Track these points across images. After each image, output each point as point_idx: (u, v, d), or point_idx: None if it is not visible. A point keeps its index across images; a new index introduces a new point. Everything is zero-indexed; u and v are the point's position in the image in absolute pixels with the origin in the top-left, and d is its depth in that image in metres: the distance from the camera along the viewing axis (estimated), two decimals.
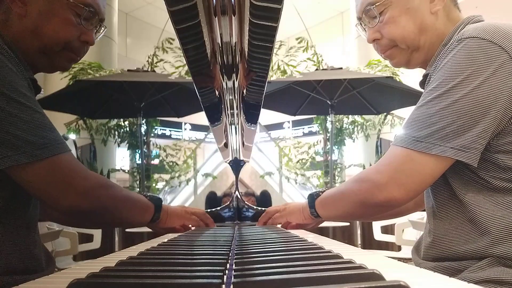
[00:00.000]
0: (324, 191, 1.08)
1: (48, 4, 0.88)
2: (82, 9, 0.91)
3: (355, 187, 0.90)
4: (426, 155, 0.75)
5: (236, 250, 0.64)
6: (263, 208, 1.43)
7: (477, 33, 0.74)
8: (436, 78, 0.78)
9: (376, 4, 0.90)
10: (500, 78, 0.71)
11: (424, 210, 0.94)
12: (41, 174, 0.78)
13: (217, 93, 0.95)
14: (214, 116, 1.13)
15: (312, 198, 1.08)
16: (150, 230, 1.16)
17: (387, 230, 3.64)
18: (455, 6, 0.91)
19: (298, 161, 5.88)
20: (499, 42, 0.72)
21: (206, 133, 7.43)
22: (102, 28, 0.99)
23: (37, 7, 0.87)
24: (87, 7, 0.91)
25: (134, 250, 0.72)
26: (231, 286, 0.39)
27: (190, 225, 1.23)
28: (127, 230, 3.21)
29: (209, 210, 1.43)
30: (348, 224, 3.55)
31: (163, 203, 1.09)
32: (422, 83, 0.91)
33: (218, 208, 1.41)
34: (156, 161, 5.80)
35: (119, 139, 5.42)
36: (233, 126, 1.18)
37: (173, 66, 5.11)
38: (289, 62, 5.36)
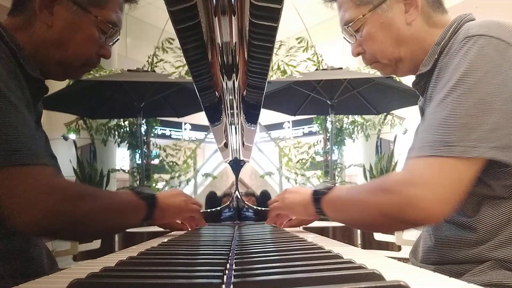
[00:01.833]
0: (331, 187, 0.97)
1: (75, 18, 0.88)
2: (108, 27, 0.92)
3: (380, 198, 0.77)
4: (462, 160, 0.68)
5: (236, 250, 0.64)
6: (263, 208, 1.43)
7: (484, 31, 0.74)
8: (450, 77, 0.74)
9: (350, 24, 0.91)
10: None
11: None
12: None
13: (217, 93, 0.95)
14: (214, 116, 1.13)
15: (318, 195, 0.98)
16: (150, 230, 1.15)
17: None
18: (435, 11, 0.89)
19: (298, 161, 5.87)
20: (506, 39, 0.72)
21: (206, 133, 7.43)
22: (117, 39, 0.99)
23: (64, 20, 0.88)
24: (113, 25, 0.92)
25: (134, 250, 0.72)
26: (231, 286, 0.39)
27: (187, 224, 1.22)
28: (127, 230, 3.21)
29: (209, 210, 1.43)
30: None
31: (157, 198, 1.01)
32: (416, 84, 0.90)
33: (218, 208, 1.41)
34: (156, 161, 5.79)
35: (119, 139, 5.42)
36: (233, 126, 1.18)
37: (173, 66, 5.11)
38: (289, 62, 5.35)
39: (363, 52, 0.95)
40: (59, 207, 0.74)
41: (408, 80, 4.14)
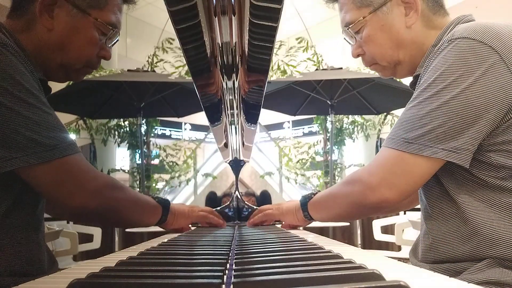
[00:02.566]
0: (316, 193, 1.09)
1: (75, 21, 0.89)
2: (108, 29, 0.93)
3: (347, 189, 0.91)
4: (417, 157, 0.75)
5: (236, 250, 0.64)
6: None
7: (467, 33, 0.74)
8: (426, 79, 0.78)
9: (350, 26, 0.92)
10: (490, 79, 0.71)
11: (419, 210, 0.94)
12: (50, 175, 0.78)
13: (217, 93, 0.95)
14: (214, 116, 1.13)
15: (305, 201, 1.09)
16: (150, 230, 1.17)
17: (387, 230, 3.64)
18: (436, 14, 0.89)
19: (298, 161, 5.87)
20: (489, 43, 0.72)
21: (206, 133, 7.43)
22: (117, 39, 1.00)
23: (64, 23, 0.88)
24: (112, 27, 0.93)
25: (134, 250, 0.72)
26: (231, 286, 0.39)
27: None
28: (127, 230, 3.21)
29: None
30: (348, 224, 3.55)
31: (170, 204, 1.10)
32: (413, 84, 0.91)
33: (218, 208, 1.41)
34: (156, 161, 5.80)
35: (119, 139, 5.42)
36: (233, 126, 1.18)
37: (173, 66, 5.11)
38: (289, 62, 5.35)
39: (363, 53, 0.95)
40: (102, 189, 0.86)
41: (408, 81, 4.14)
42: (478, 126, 0.72)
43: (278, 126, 9.19)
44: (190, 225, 1.25)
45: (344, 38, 0.98)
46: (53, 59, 0.90)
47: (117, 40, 0.99)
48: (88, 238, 3.44)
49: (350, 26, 0.92)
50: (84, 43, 0.91)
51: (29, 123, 0.75)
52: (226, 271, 0.49)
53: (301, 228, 1.28)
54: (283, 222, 1.25)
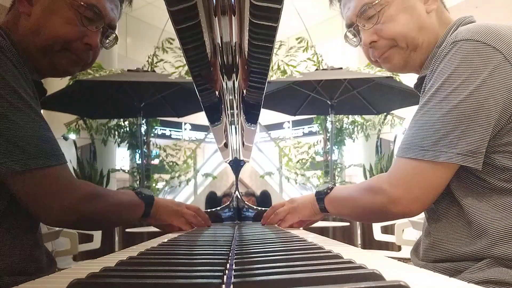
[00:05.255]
0: (333, 187, 1.08)
1: (51, 3, 0.88)
2: (85, 8, 0.89)
3: (368, 198, 0.89)
4: (434, 164, 0.75)
5: (236, 250, 0.64)
6: (263, 208, 1.43)
7: (470, 35, 0.74)
8: (433, 83, 0.78)
9: (373, 4, 0.88)
10: (496, 80, 0.71)
11: None
12: (28, 184, 0.77)
13: (217, 93, 0.95)
14: (214, 116, 1.13)
15: (321, 194, 1.09)
16: (150, 230, 1.16)
17: (387, 230, 3.64)
18: (445, 8, 0.91)
19: (298, 161, 5.88)
20: (493, 44, 0.72)
21: (206, 133, 7.43)
22: (113, 35, 0.97)
23: (41, 6, 0.87)
24: (90, 7, 0.90)
25: (134, 250, 0.72)
26: (231, 286, 0.39)
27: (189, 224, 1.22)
28: (127, 230, 3.21)
29: (209, 210, 1.43)
30: (348, 224, 3.55)
31: (154, 198, 1.09)
32: (418, 86, 0.91)
33: (218, 208, 1.41)
34: (156, 161, 5.80)
35: (119, 139, 5.42)
36: (233, 126, 1.18)
37: (173, 66, 5.11)
38: (289, 62, 5.35)
39: (377, 40, 0.91)
40: (79, 203, 0.84)
41: (408, 80, 4.14)
42: (488, 127, 0.72)
43: (278, 126, 9.19)
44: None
45: (347, 32, 0.96)
46: (32, 44, 0.87)
47: (111, 33, 0.96)
48: (88, 238, 3.44)
49: (373, 4, 0.88)
50: (59, 23, 0.88)
51: (17, 129, 0.74)
52: (226, 271, 0.49)
53: (301, 228, 1.27)
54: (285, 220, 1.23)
